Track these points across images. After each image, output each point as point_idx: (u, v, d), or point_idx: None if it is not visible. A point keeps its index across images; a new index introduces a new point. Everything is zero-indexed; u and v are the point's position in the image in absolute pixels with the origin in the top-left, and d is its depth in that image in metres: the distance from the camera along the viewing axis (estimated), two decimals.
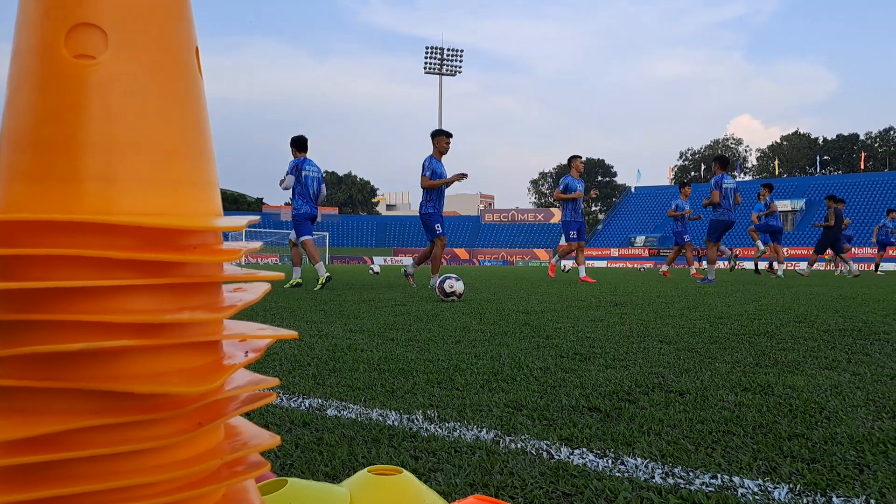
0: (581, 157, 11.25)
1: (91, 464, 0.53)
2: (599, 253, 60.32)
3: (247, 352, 0.62)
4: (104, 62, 0.51)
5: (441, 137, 8.49)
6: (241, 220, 0.57)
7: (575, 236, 11.17)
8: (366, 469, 0.94)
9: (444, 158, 8.49)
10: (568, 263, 18.07)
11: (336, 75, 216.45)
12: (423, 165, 8.37)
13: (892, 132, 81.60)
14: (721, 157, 11.23)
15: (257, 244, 0.66)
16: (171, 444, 0.55)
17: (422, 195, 8.55)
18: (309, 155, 8.64)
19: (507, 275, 17.06)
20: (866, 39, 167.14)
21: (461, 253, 66.27)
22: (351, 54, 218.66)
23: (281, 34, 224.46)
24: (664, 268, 14.48)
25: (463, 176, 8.37)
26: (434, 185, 8.34)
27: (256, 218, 0.64)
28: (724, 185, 10.92)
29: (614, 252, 59.10)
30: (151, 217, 0.53)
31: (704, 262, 16.30)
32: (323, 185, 8.77)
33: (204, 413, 0.58)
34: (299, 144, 8.61)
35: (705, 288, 8.85)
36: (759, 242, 14.38)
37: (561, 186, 11.08)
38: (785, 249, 12.81)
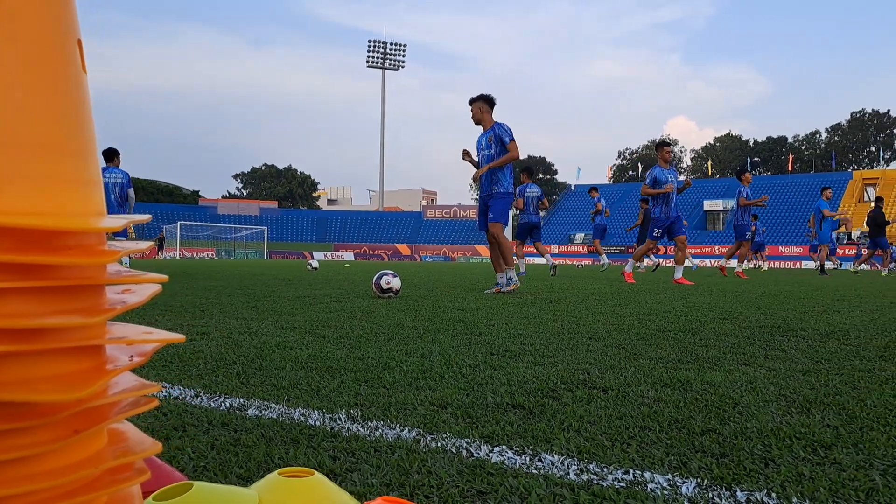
0: (670, 145, 10.08)
1: None
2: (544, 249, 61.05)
3: (132, 356, 0.60)
4: None
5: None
6: (120, 221, 0.55)
7: (659, 234, 9.90)
8: (276, 471, 0.92)
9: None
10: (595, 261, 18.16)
11: (276, 67, 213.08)
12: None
13: (818, 136, 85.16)
14: (527, 168, 12.37)
15: (146, 244, 0.63)
16: (44, 452, 0.53)
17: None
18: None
19: (447, 271, 17.11)
20: (796, 46, 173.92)
21: (402, 249, 66.17)
22: (291, 45, 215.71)
23: (218, 23, 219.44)
24: (739, 268, 13.30)
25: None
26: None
27: (144, 217, 0.62)
28: (527, 193, 12.26)
29: (554, 249, 59.92)
30: (22, 217, 0.51)
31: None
32: (129, 190, 9.41)
33: (81, 419, 0.55)
34: (104, 156, 9.25)
35: (637, 285, 9.05)
36: (603, 257, 16.03)
37: (648, 180, 9.90)
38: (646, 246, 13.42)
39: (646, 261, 20.73)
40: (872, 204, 16.43)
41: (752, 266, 23.11)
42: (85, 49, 0.59)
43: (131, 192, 9.40)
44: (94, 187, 0.57)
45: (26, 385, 0.51)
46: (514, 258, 7.45)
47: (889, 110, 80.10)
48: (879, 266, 20.92)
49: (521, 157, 7.01)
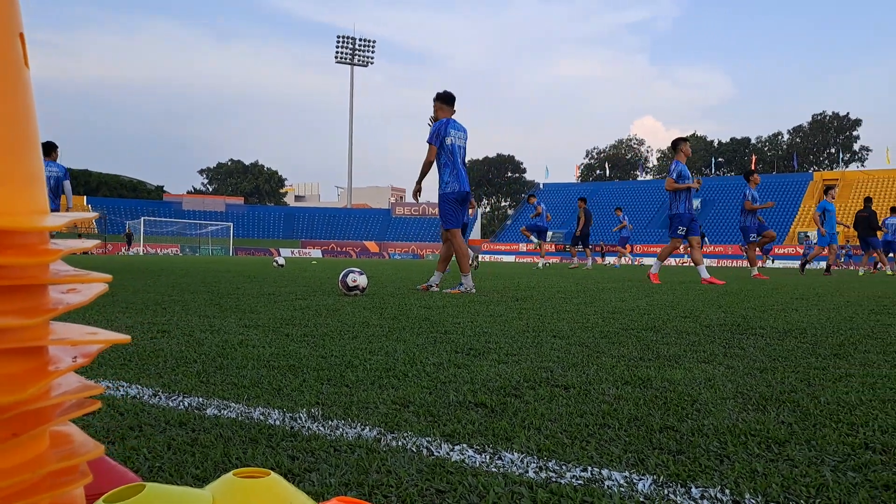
0: (688, 141, 9.89)
1: None
2: (508, 248, 61.33)
3: (75, 357, 0.59)
4: None
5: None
6: (60, 220, 0.54)
7: (683, 232, 9.62)
8: (231, 472, 0.91)
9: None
10: (579, 261, 18.60)
11: (242, 61, 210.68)
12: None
13: (780, 137, 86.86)
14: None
15: (91, 243, 0.62)
16: None
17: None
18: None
19: (415, 269, 17.10)
20: (759, 49, 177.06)
21: (371, 246, 65.92)
22: (258, 40, 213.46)
23: (183, 16, 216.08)
24: (754, 271, 12.58)
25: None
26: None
27: (89, 215, 0.61)
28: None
29: (522, 247, 60.23)
30: None
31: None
32: (66, 182, 9.42)
33: (21, 422, 0.54)
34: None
35: (603, 283, 9.15)
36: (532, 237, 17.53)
37: (673, 174, 9.50)
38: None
39: (576, 260, 21.24)
40: (862, 204, 16.38)
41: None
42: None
43: (67, 184, 9.30)
44: (37, 184, 0.56)
45: None
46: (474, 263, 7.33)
47: (848, 113, 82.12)
48: (857, 265, 21.62)
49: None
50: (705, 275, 9.54)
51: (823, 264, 19.92)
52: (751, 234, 12.99)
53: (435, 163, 6.71)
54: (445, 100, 6.80)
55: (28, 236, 0.55)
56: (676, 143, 9.75)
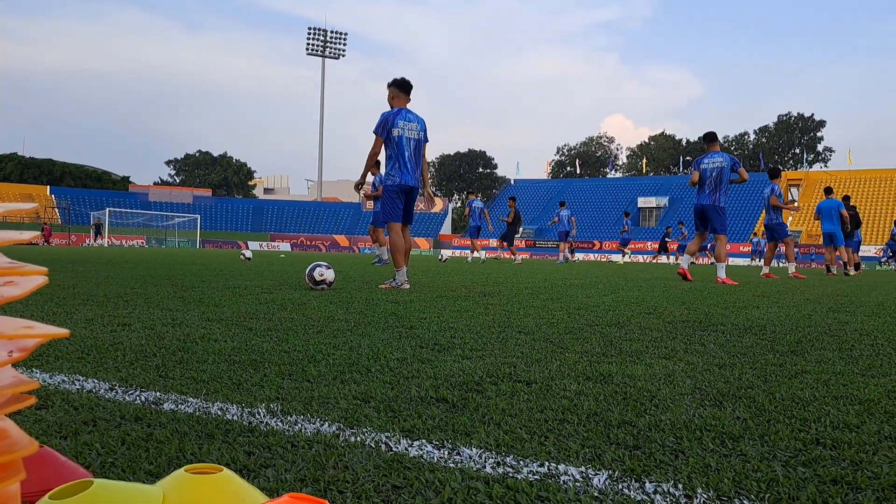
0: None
1: None
2: (480, 244, 61.48)
3: (11, 351, 0.57)
4: None
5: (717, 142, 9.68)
6: None
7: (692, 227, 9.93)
8: (183, 468, 0.90)
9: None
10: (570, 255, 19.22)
11: (210, 51, 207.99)
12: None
13: (746, 137, 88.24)
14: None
15: (29, 234, 0.61)
16: None
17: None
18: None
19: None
20: (726, 50, 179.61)
21: (341, 240, 65.54)
22: (226, 30, 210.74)
23: (149, 4, 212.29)
24: (765, 269, 12.34)
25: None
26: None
27: (26, 207, 0.59)
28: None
29: (493, 242, 60.42)
30: None
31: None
32: None
33: None
34: None
35: (571, 280, 9.22)
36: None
37: (738, 165, 9.42)
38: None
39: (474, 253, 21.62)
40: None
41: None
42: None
43: None
44: None
45: None
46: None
47: (813, 114, 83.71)
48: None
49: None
50: (723, 274, 9.23)
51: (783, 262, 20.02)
52: (786, 229, 12.62)
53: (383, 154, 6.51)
54: (401, 86, 6.56)
55: None
56: (712, 139, 9.70)
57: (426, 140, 6.69)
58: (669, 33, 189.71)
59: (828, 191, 15.05)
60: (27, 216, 51.75)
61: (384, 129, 6.42)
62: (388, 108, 6.62)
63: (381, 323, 3.48)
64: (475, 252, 20.49)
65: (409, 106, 6.62)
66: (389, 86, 6.59)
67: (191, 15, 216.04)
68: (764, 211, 12.65)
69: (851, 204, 16.45)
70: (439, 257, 18.48)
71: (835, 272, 15.17)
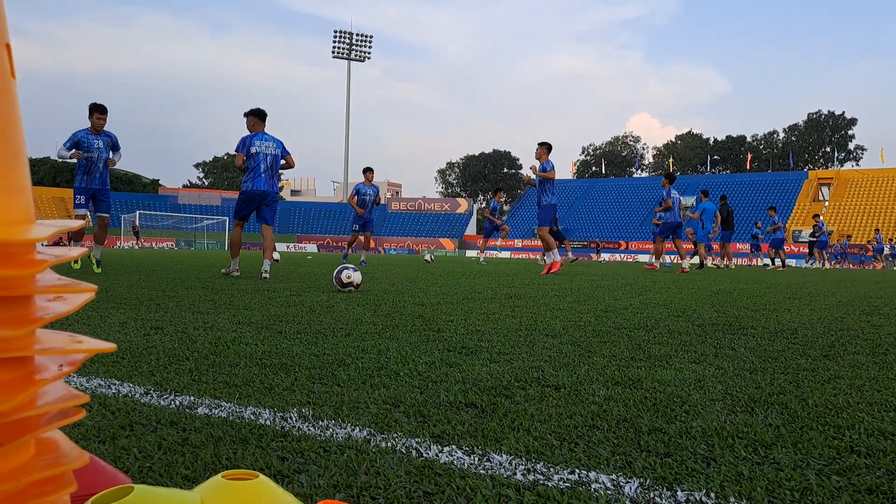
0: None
1: None
2: (504, 244, 61.34)
3: (61, 365, 0.59)
4: None
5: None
6: (46, 231, 0.54)
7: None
8: (220, 474, 0.92)
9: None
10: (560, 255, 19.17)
11: (237, 54, 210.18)
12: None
13: (775, 135, 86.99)
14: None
15: (78, 251, 0.63)
16: None
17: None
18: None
19: (409, 265, 17.07)
20: (754, 47, 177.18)
21: None
22: (253, 33, 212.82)
23: (177, 8, 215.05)
24: (654, 262, 14.53)
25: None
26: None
27: (75, 224, 0.61)
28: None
29: (518, 243, 60.27)
30: None
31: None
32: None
33: (6, 432, 0.54)
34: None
35: (597, 281, 9.17)
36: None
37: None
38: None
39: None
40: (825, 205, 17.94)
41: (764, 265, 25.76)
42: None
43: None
44: (21, 194, 0.56)
45: None
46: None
47: (843, 112, 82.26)
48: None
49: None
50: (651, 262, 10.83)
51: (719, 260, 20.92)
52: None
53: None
54: (258, 115, 8.06)
55: (13, 247, 0.55)
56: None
57: (286, 154, 8.20)
58: (695, 30, 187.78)
59: (706, 193, 17.47)
60: (51, 238, 52.57)
61: (244, 147, 7.92)
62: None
63: (409, 326, 3.50)
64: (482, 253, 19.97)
65: (266, 129, 8.13)
66: (247, 115, 8.07)
67: (217, 17, 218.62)
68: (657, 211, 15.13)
69: (725, 203, 18.83)
70: (425, 258, 18.34)
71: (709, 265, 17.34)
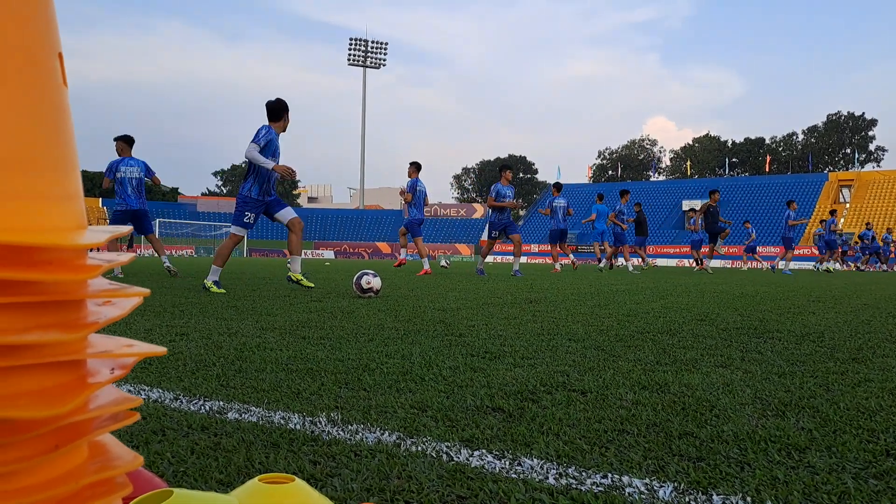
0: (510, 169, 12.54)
1: None
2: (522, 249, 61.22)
3: (113, 368, 0.60)
4: None
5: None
6: (102, 236, 0.55)
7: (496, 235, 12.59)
8: (256, 478, 0.92)
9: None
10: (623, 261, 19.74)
11: (253, 62, 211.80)
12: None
13: (794, 137, 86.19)
14: (506, 165, 13.91)
15: (127, 257, 0.63)
16: (24, 468, 0.53)
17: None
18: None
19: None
20: (772, 48, 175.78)
21: (383, 247, 65.99)
22: (269, 41, 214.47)
23: (193, 18, 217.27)
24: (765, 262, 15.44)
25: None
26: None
27: (126, 229, 0.62)
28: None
29: (534, 248, 60.12)
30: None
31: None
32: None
33: (62, 434, 0.55)
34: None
35: (617, 285, 9.12)
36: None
37: (493, 193, 12.05)
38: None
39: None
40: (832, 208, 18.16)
41: (747, 267, 26.09)
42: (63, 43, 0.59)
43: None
44: (74, 202, 0.57)
45: (6, 401, 0.51)
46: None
47: (864, 113, 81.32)
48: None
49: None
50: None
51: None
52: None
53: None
54: (126, 140, 9.56)
55: (64, 252, 0.56)
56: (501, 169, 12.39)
57: (151, 174, 9.69)
58: (711, 32, 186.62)
59: (600, 197, 18.66)
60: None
61: (111, 172, 9.55)
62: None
63: (430, 331, 3.50)
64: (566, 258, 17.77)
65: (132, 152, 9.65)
66: (116, 140, 9.53)
67: (233, 27, 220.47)
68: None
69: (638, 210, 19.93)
70: (480, 263, 18.18)
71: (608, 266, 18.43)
